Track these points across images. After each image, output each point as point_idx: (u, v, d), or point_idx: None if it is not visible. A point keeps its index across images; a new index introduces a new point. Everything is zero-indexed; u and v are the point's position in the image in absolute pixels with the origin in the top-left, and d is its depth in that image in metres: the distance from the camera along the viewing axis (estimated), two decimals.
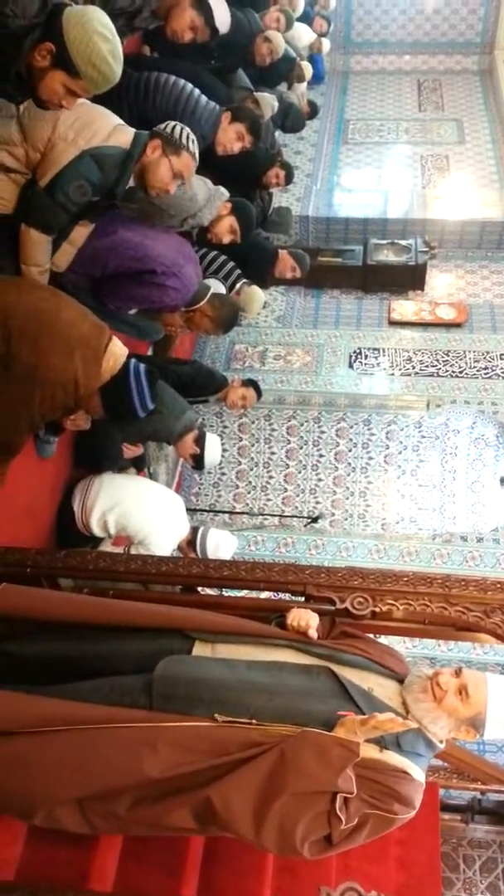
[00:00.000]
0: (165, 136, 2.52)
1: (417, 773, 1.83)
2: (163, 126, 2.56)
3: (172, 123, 2.58)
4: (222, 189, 3.56)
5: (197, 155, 2.67)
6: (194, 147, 2.63)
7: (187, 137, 2.58)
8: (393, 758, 1.80)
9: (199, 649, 2.00)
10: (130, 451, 3.53)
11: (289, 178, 4.76)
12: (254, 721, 1.80)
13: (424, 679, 1.92)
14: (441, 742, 1.91)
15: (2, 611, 2.13)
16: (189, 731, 1.78)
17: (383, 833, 1.82)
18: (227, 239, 3.72)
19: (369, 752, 1.77)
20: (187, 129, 2.60)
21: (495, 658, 4.53)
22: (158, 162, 2.51)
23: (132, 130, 2.46)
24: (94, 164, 2.34)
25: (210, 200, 3.46)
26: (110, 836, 2.08)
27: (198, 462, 3.57)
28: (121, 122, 2.49)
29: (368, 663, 1.99)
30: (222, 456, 5.08)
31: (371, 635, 2.23)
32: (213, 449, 3.61)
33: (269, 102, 4.65)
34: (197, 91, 3.33)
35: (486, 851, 4.72)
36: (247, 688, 1.86)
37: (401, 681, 1.98)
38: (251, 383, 4.11)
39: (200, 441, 3.53)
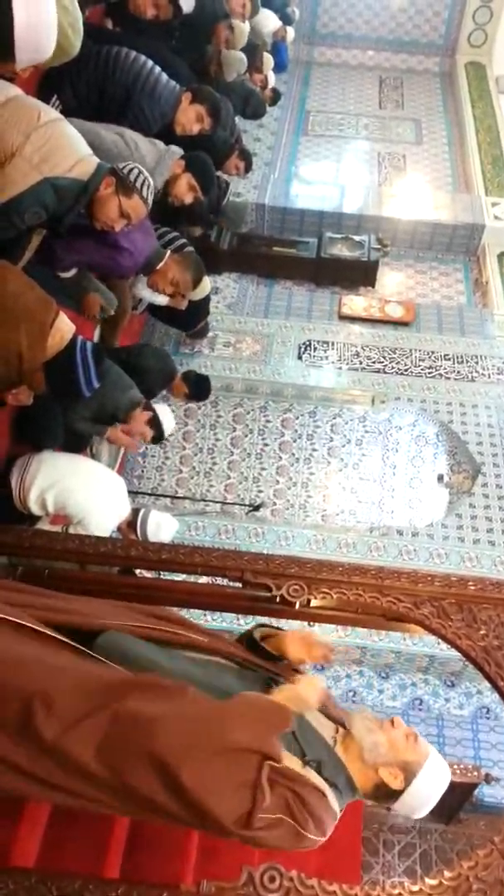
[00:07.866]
0: (121, 176, 2.60)
1: (333, 801, 1.80)
2: (122, 166, 2.63)
3: (132, 166, 2.66)
4: (174, 147, 3.36)
5: (150, 201, 2.74)
6: (148, 193, 2.70)
7: (142, 183, 2.67)
8: (313, 776, 1.77)
9: None
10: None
11: (248, 168, 4.76)
12: None
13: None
14: (361, 792, 1.88)
15: None
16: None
17: (288, 849, 1.75)
18: (188, 198, 3.51)
19: (292, 763, 1.74)
20: (144, 176, 2.67)
21: (423, 649, 4.66)
22: (109, 199, 2.57)
23: (95, 161, 2.48)
24: (52, 192, 2.37)
25: (160, 161, 3.28)
26: (35, 812, 2.06)
27: (157, 437, 3.70)
28: (89, 153, 2.49)
29: None
30: (167, 440, 5.07)
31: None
32: (168, 417, 3.73)
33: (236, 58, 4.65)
34: (158, 68, 3.29)
35: (405, 837, 4.87)
36: (180, 675, 1.85)
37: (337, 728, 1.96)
38: (197, 386, 4.38)
39: (155, 421, 3.56)
